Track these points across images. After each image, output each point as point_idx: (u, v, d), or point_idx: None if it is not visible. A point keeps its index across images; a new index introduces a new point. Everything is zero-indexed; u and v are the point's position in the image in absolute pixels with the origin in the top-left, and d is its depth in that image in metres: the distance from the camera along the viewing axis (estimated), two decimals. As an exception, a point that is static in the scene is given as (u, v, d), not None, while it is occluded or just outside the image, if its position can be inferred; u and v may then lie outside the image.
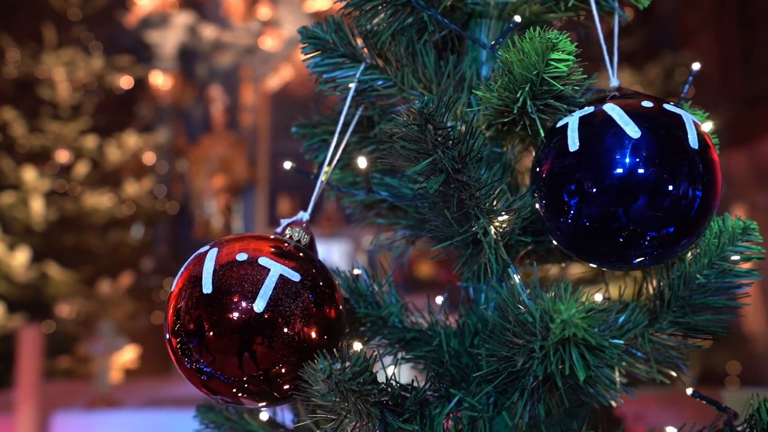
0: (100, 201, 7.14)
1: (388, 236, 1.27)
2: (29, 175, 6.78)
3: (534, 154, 1.14)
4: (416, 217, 1.18)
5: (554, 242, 1.12)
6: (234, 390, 0.94)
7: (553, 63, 0.89)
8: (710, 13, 7.90)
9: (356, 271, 1.17)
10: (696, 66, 1.08)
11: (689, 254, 0.99)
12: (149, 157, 8.00)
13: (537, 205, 0.97)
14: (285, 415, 1.20)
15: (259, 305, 0.89)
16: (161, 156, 8.17)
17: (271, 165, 8.52)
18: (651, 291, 1.03)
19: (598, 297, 0.99)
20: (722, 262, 0.97)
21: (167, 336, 0.95)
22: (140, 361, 6.45)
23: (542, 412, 0.88)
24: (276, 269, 0.92)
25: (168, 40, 8.27)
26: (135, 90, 8.11)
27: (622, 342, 0.91)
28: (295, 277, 0.92)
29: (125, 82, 7.87)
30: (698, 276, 0.97)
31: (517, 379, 0.93)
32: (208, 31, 8.42)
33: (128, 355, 5.66)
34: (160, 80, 8.31)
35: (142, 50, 8.26)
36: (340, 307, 0.97)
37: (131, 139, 7.46)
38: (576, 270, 1.32)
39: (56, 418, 4.01)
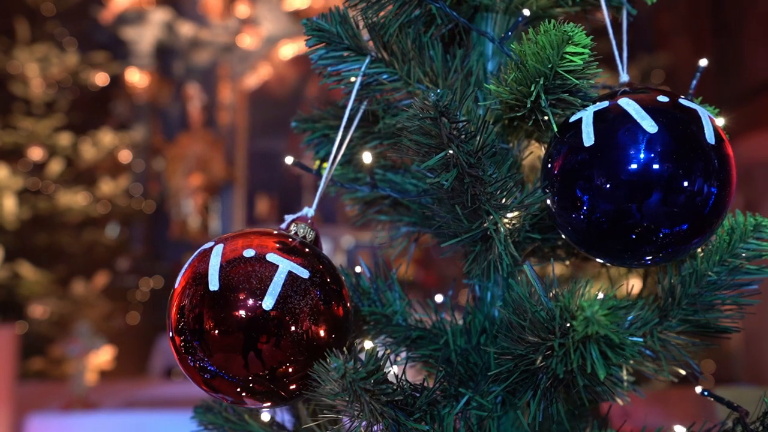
0: (74, 199, 7.03)
1: (389, 233, 1.25)
2: (1, 172, 6.64)
3: (544, 149, 1.13)
4: (420, 214, 1.16)
5: (562, 239, 1.11)
6: (238, 389, 0.91)
7: (567, 56, 0.88)
8: (685, 16, 8.00)
9: (357, 269, 1.15)
10: (703, 62, 1.08)
11: (700, 251, 0.98)
12: (125, 156, 7.90)
13: (548, 201, 0.95)
14: (285, 416, 1.18)
15: (267, 302, 0.86)
16: (137, 154, 8.07)
17: (250, 164, 8.46)
18: (660, 289, 1.02)
19: (600, 295, 0.98)
20: (733, 259, 0.96)
21: (170, 334, 0.92)
22: (115, 363, 6.36)
23: (560, 413, 0.87)
24: (284, 266, 0.89)
25: (144, 36, 8.18)
26: (111, 87, 8.01)
27: (641, 339, 0.89)
28: (304, 273, 0.90)
29: (100, 79, 7.76)
30: (709, 273, 0.97)
31: (528, 378, 0.91)
32: (186, 29, 8.34)
33: (104, 356, 5.58)
34: (136, 77, 8.21)
35: (117, 47, 8.15)
36: (348, 304, 0.95)
37: (107, 137, 7.36)
38: (558, 268, 1.31)
39: (31, 421, 3.93)
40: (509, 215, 0.94)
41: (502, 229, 0.92)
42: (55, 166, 7.06)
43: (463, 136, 0.87)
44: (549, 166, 0.95)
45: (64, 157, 7.21)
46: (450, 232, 1.00)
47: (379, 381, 0.83)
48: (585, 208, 0.90)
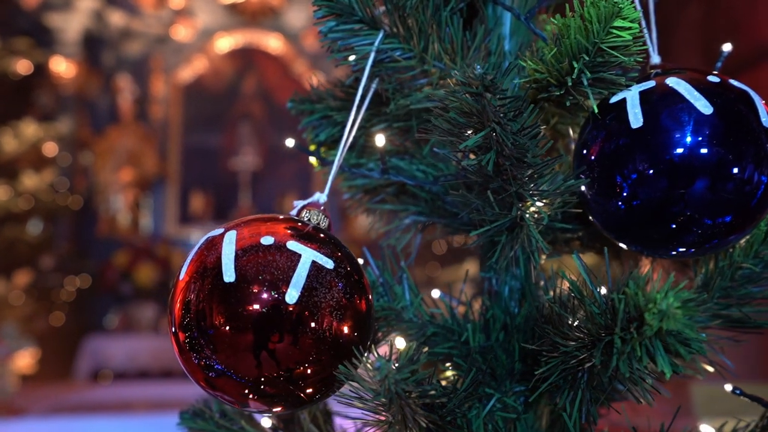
0: (-7, 194, 6.64)
1: (384, 224, 1.17)
2: None
3: (563, 134, 1.07)
4: (429, 203, 1.09)
5: (584, 229, 1.05)
6: (246, 390, 0.81)
7: (615, 31, 0.82)
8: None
9: (360, 261, 1.06)
10: (727, 47, 1.04)
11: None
12: (50, 149, 7.51)
13: (583, 187, 0.89)
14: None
15: (291, 296, 0.77)
16: (63, 147, 7.69)
17: (183, 160, 8.19)
18: (696, 282, 0.97)
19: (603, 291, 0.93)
20: (769, 251, 0.92)
21: (173, 329, 0.82)
22: (38, 366, 6.03)
23: (624, 413, 0.81)
24: (308, 255, 0.80)
25: (71, 24, 7.81)
26: (34, 76, 7.59)
27: (704, 335, 0.84)
28: (329, 263, 0.81)
29: (23, 67, 7.35)
30: (744, 266, 0.92)
31: (565, 377, 0.85)
32: (116, 18, 8.01)
33: (25, 359, 5.29)
34: (62, 67, 7.83)
35: (42, 34, 7.75)
36: (370, 297, 0.86)
37: (30, 129, 6.98)
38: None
39: (-49, 429, 3.66)
40: (543, 202, 0.88)
41: (543, 215, 0.85)
42: (-27, 158, 6.66)
43: (502, 115, 0.80)
44: (585, 150, 0.89)
45: (-18, 149, 6.81)
46: (475, 221, 0.93)
47: (419, 382, 0.75)
48: (626, 194, 0.85)
